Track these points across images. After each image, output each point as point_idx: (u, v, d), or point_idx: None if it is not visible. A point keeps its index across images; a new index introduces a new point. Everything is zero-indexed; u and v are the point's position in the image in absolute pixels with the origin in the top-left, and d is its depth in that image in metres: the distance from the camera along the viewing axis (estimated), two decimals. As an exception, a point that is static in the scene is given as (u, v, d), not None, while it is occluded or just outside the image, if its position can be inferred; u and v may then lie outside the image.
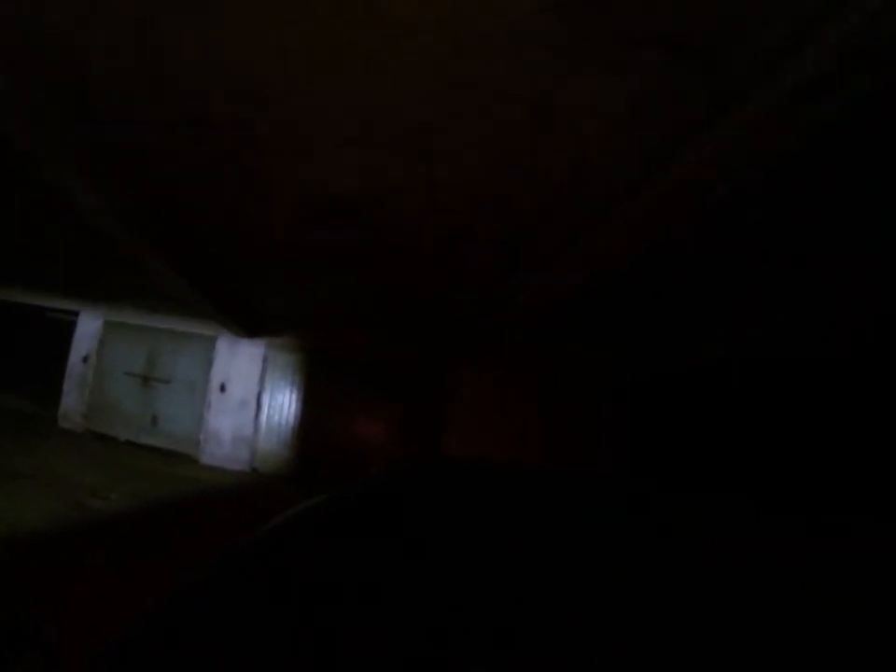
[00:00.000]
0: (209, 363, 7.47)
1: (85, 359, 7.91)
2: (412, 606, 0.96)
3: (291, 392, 7.50)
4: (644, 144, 2.23)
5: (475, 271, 4.19)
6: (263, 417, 7.58)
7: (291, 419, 7.54)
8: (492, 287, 4.52)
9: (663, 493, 1.74)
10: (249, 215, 3.38)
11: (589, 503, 1.55)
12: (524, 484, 1.74)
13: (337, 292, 5.24)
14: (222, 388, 7.56)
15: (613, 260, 3.49)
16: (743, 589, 1.07)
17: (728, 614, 0.98)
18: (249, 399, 7.51)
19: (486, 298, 4.77)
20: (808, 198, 2.95)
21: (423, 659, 0.83)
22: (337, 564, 1.12)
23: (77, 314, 8.00)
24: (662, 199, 2.54)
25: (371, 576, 1.06)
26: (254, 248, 4.03)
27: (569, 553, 1.18)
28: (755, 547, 1.31)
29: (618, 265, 3.54)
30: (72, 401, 7.87)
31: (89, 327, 7.93)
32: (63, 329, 8.07)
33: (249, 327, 6.57)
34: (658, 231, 3.21)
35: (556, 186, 2.88)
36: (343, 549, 1.19)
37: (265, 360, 7.38)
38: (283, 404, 7.50)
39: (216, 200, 3.18)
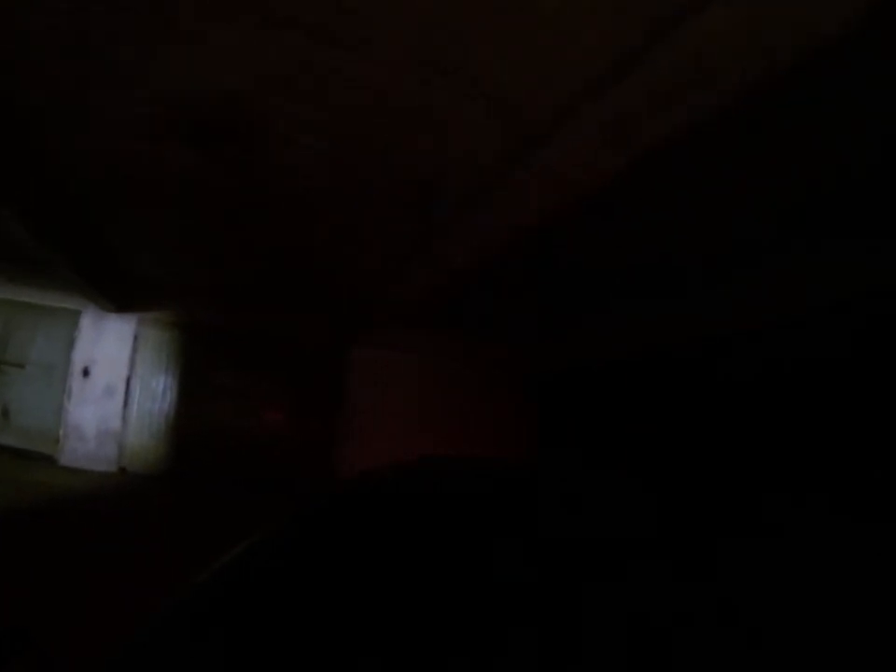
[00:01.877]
0: (70, 343, 6.57)
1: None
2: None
3: (167, 376, 6.75)
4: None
5: (374, 230, 3.83)
6: (133, 406, 6.77)
7: (167, 408, 6.79)
8: (392, 254, 4.18)
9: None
10: (98, 119, 2.79)
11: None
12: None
13: (220, 253, 4.70)
14: (85, 373, 6.67)
15: (501, 245, 3.25)
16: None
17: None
18: (117, 385, 6.68)
19: (387, 266, 4.42)
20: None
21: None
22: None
23: None
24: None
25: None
26: (108, 174, 3.41)
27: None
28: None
29: (506, 252, 3.30)
30: None
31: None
32: None
33: (117, 298, 5.82)
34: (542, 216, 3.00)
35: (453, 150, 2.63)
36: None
37: (136, 339, 6.61)
38: (156, 390, 6.73)
39: (50, 91, 2.57)
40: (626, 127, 2.18)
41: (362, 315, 5.58)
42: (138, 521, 5.29)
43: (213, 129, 2.90)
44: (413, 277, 4.27)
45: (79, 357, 6.66)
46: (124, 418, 6.73)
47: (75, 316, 6.57)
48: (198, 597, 1.10)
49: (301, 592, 1.06)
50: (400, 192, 3.38)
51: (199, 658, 0.94)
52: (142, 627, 1.00)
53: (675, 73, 1.83)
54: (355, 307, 5.53)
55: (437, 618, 0.94)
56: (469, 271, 3.85)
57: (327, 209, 3.77)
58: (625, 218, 3.52)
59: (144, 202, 3.89)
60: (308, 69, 2.31)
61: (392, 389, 6.99)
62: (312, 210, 3.80)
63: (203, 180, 3.45)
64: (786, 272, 4.67)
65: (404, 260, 4.18)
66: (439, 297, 5.28)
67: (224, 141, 2.98)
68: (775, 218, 3.61)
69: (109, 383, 6.66)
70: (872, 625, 0.96)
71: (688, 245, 4.06)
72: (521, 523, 1.26)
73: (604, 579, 1.03)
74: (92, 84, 2.57)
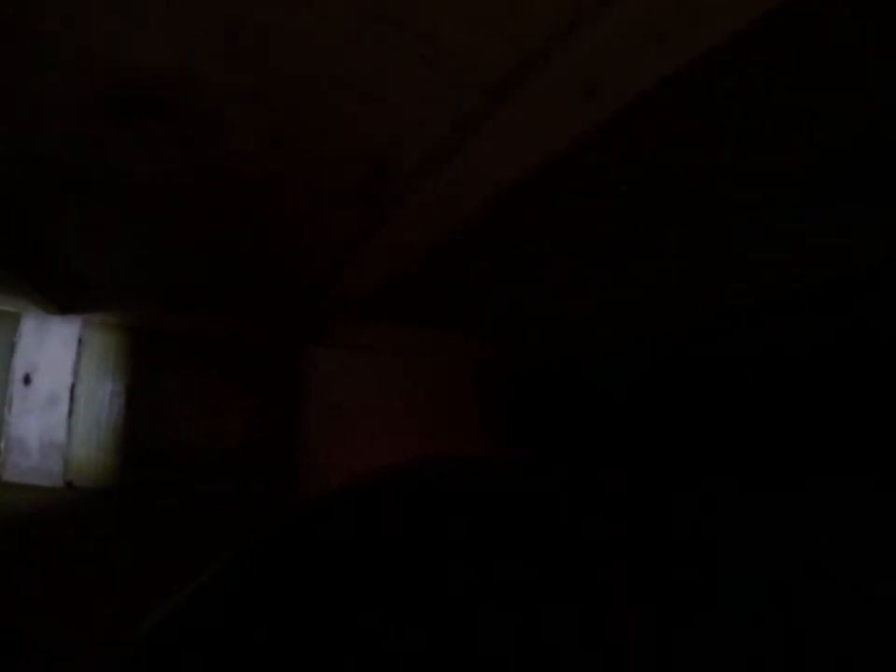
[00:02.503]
0: (10, 348, 6.18)
1: None
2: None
3: (114, 382, 6.43)
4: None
5: (326, 216, 3.64)
6: (79, 416, 6.39)
7: (115, 417, 6.45)
8: (346, 240, 3.99)
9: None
10: (16, 100, 2.55)
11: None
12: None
13: (164, 249, 4.44)
14: (27, 380, 6.30)
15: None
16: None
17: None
18: (61, 393, 6.32)
19: (341, 254, 4.23)
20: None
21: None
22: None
23: None
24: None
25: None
26: (37, 164, 3.15)
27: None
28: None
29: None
30: None
31: None
32: None
33: (61, 300, 5.51)
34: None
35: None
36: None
37: (81, 343, 6.26)
38: (104, 398, 6.38)
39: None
40: (596, 79, 2.05)
41: (320, 309, 5.37)
42: (82, 542, 4.92)
43: (142, 105, 2.69)
44: (367, 264, 4.11)
45: (20, 364, 6.28)
46: (69, 428, 6.35)
47: (15, 320, 6.21)
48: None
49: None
50: (352, 171, 3.21)
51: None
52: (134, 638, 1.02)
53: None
54: (311, 301, 5.33)
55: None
56: (426, 254, 3.69)
57: (274, 195, 3.59)
58: (594, 191, 3.40)
59: (78, 196, 3.65)
60: (243, 29, 2.12)
61: (354, 390, 6.78)
62: (258, 197, 3.61)
63: (138, 168, 3.22)
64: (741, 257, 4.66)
65: (358, 246, 4.01)
66: (396, 286, 5.13)
67: (156, 118, 2.78)
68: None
69: (53, 390, 6.29)
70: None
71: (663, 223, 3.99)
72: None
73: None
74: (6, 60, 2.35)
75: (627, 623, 0.91)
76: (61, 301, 5.61)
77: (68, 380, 6.28)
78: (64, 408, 6.33)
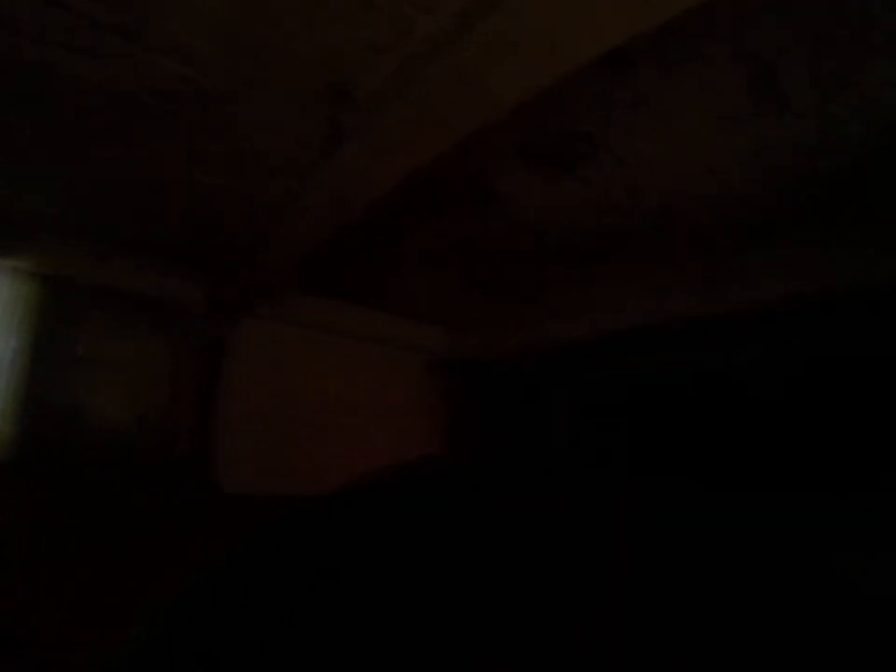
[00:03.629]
0: None
1: None
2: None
3: (19, 338, 5.71)
4: None
5: (265, 151, 3.30)
6: (-26, 375, 5.67)
7: (16, 380, 5.72)
8: (285, 183, 3.66)
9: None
10: None
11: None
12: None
13: (85, 179, 3.98)
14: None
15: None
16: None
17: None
18: (-46, 346, 5.59)
19: (285, 207, 3.88)
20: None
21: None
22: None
23: None
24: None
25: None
26: None
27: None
28: None
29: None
30: None
31: None
32: None
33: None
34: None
35: None
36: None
37: (-20, 289, 5.56)
38: (4, 355, 5.67)
39: None
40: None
41: (256, 273, 4.97)
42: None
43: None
44: (308, 218, 3.77)
45: None
46: (-39, 390, 5.66)
47: None
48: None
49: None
50: (310, 95, 2.93)
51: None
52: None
53: None
54: (247, 262, 4.93)
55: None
56: (377, 206, 3.41)
57: (208, 120, 3.24)
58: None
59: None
60: None
61: (289, 370, 6.32)
62: (191, 124, 3.27)
63: (54, 69, 2.83)
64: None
65: (300, 195, 3.68)
66: (340, 252, 4.80)
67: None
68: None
69: (-56, 342, 5.59)
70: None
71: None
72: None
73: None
74: None
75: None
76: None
77: (-37, 331, 5.63)
78: (-44, 364, 5.66)
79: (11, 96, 3.18)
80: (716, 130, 3.39)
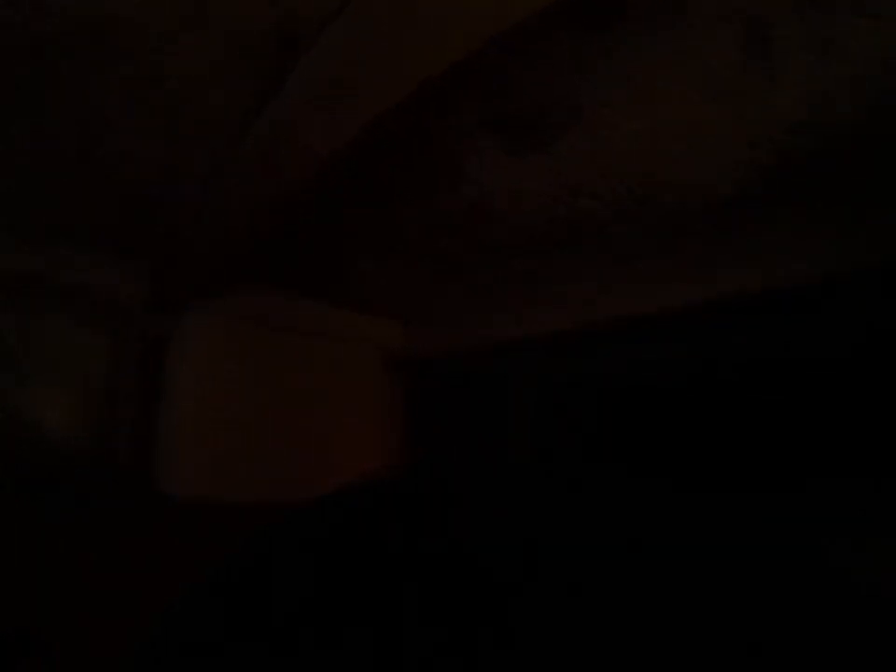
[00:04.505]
0: None
1: None
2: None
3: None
4: None
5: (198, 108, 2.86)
6: None
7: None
8: (223, 155, 3.22)
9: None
10: None
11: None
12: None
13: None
14: None
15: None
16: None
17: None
18: None
19: (219, 176, 3.43)
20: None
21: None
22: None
23: None
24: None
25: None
26: None
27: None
28: None
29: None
30: None
31: None
32: None
33: None
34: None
35: None
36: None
37: None
38: None
39: None
40: None
41: (191, 257, 4.50)
42: None
43: None
44: (246, 189, 3.34)
45: None
46: None
47: None
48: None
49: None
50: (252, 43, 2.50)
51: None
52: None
53: None
54: (181, 244, 4.45)
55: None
56: (323, 176, 2.99)
57: (130, 64, 2.78)
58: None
59: None
60: None
61: (238, 369, 5.82)
62: (112, 67, 2.80)
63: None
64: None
65: (228, 158, 3.24)
66: (287, 234, 4.37)
67: None
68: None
69: None
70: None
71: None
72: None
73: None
74: None
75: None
76: None
77: None
78: None
79: None
80: (701, 101, 3.08)
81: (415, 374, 7.26)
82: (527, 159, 3.48)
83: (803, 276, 4.42)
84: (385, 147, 3.18)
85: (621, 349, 6.83)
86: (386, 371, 6.97)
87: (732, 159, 3.64)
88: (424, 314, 6.70)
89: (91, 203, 4.27)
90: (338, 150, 2.51)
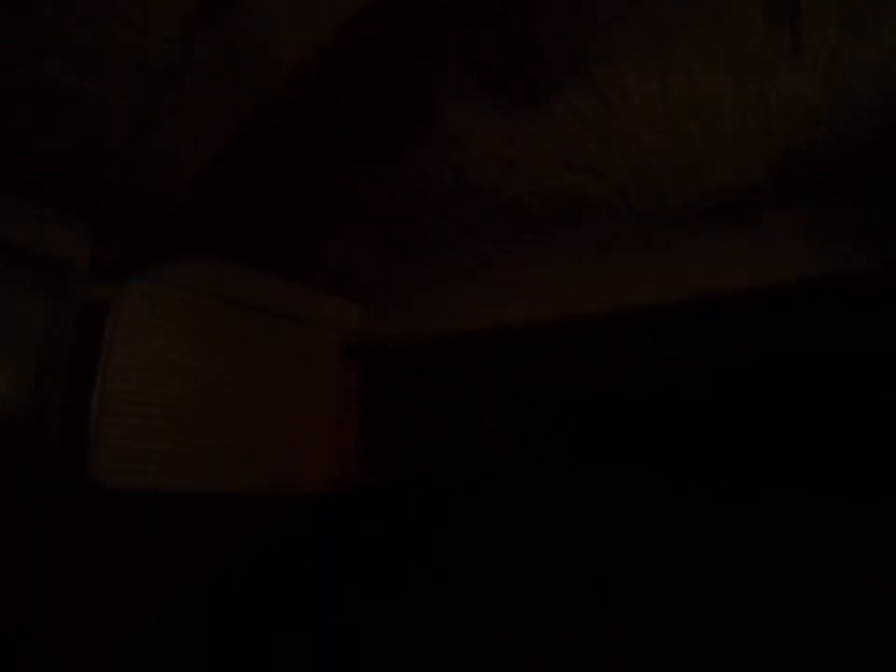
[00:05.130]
0: None
1: None
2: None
3: None
4: None
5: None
6: None
7: None
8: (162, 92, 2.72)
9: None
10: None
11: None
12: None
13: None
14: None
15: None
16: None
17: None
18: None
19: (159, 116, 2.92)
20: None
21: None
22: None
23: None
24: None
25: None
26: None
27: None
28: None
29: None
30: None
31: None
32: None
33: None
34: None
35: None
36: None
37: None
38: None
39: None
40: None
41: (134, 214, 3.96)
42: None
43: None
44: (189, 128, 2.84)
45: None
46: None
47: None
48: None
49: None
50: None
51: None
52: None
53: None
54: (125, 201, 3.92)
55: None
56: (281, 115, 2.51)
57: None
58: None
59: None
60: None
61: (185, 346, 5.25)
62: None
63: None
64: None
65: (173, 93, 2.75)
66: (243, 199, 3.88)
67: None
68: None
69: None
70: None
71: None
72: None
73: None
74: None
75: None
76: None
77: None
78: None
79: None
80: (721, 70, 2.71)
81: (377, 361, 6.81)
82: (518, 117, 3.06)
83: (792, 277, 4.11)
84: (355, 88, 2.73)
85: (597, 346, 6.47)
86: (346, 356, 6.50)
87: (747, 146, 3.29)
88: (385, 297, 6.25)
89: (26, 149, 3.72)
90: (305, 62, 2.03)
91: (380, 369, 6.94)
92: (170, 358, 5.20)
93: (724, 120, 3.08)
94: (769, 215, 4.05)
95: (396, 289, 6.03)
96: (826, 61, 2.73)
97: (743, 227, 4.15)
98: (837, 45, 2.68)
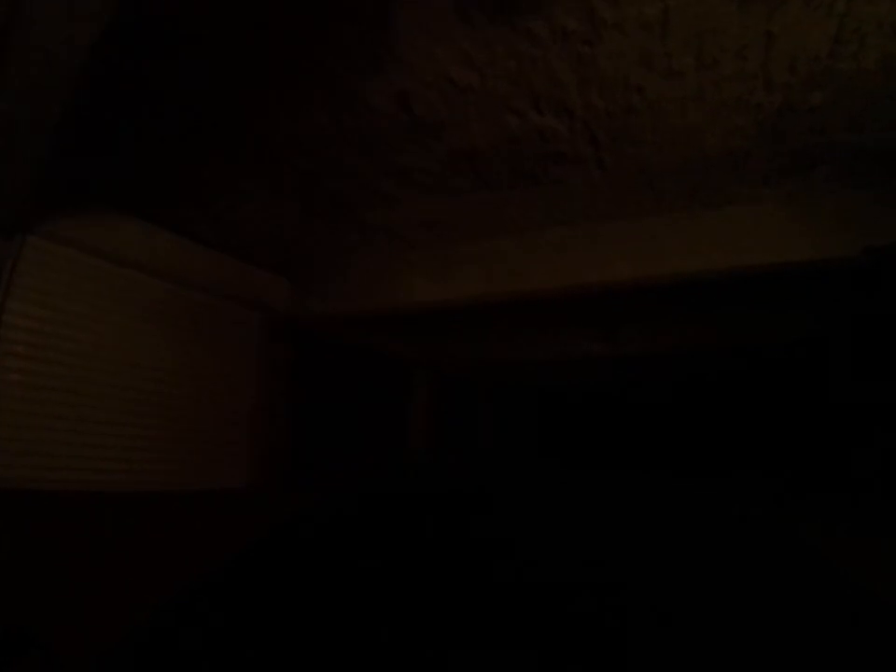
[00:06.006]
0: None
1: None
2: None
3: None
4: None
5: None
6: None
7: None
8: None
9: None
10: None
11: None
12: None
13: None
14: None
15: None
16: None
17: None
18: None
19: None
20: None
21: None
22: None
23: None
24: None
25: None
26: None
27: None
28: None
29: None
30: None
31: None
32: None
33: None
34: None
35: None
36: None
37: None
38: None
39: None
40: None
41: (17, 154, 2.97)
42: None
43: None
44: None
45: None
46: None
47: None
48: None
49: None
50: None
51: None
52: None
53: None
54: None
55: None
56: None
57: None
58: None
59: None
60: None
61: (82, 319, 4.18)
62: None
63: None
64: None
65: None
66: (149, 145, 3.07)
67: None
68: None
69: None
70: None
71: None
72: None
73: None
74: None
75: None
76: None
77: None
78: None
79: None
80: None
81: (304, 344, 6.05)
82: (486, 33, 2.43)
83: (770, 260, 3.86)
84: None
85: (548, 336, 6.08)
86: (268, 336, 5.67)
87: (742, 96, 2.86)
88: (315, 270, 5.46)
89: None
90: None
91: (310, 353, 6.19)
92: (65, 334, 4.18)
93: (724, 58, 2.61)
94: (752, 193, 3.73)
95: (327, 261, 5.27)
96: (844, 5, 2.32)
97: (724, 204, 3.82)
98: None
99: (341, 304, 5.47)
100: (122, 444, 4.42)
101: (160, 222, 4.57)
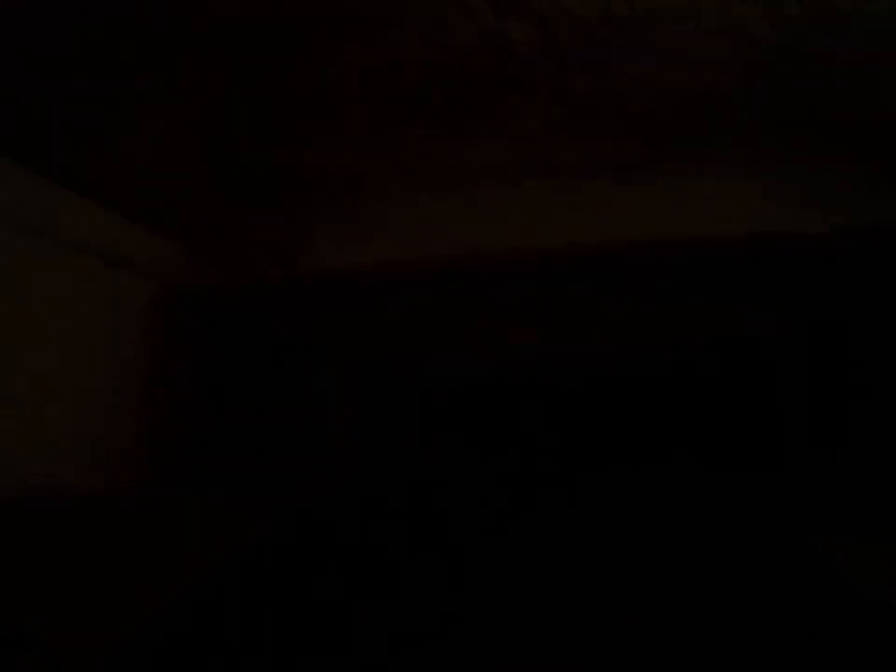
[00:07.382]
0: None
1: None
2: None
3: None
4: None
5: None
6: None
7: None
8: None
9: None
10: None
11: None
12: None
13: None
14: None
15: None
16: None
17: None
18: None
19: None
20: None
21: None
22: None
23: None
24: None
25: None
26: None
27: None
28: None
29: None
30: None
31: None
32: None
33: None
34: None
35: None
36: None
37: None
38: None
39: None
40: None
41: None
42: None
43: None
44: None
45: None
46: None
47: None
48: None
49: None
50: None
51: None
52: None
53: None
54: None
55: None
56: None
57: None
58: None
59: None
60: None
61: None
62: None
63: None
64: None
65: None
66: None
67: None
68: None
69: None
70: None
71: None
72: None
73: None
74: None
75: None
76: None
77: None
78: None
79: None
80: None
81: (199, 314, 5.09)
82: None
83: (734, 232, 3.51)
84: None
85: (477, 316, 5.63)
86: (159, 306, 4.64)
87: (742, 29, 2.34)
88: (213, 231, 4.53)
89: None
90: None
91: (213, 333, 5.28)
92: None
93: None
94: (722, 156, 3.32)
95: (225, 217, 4.33)
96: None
97: (692, 166, 3.38)
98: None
99: (242, 273, 4.60)
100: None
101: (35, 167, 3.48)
